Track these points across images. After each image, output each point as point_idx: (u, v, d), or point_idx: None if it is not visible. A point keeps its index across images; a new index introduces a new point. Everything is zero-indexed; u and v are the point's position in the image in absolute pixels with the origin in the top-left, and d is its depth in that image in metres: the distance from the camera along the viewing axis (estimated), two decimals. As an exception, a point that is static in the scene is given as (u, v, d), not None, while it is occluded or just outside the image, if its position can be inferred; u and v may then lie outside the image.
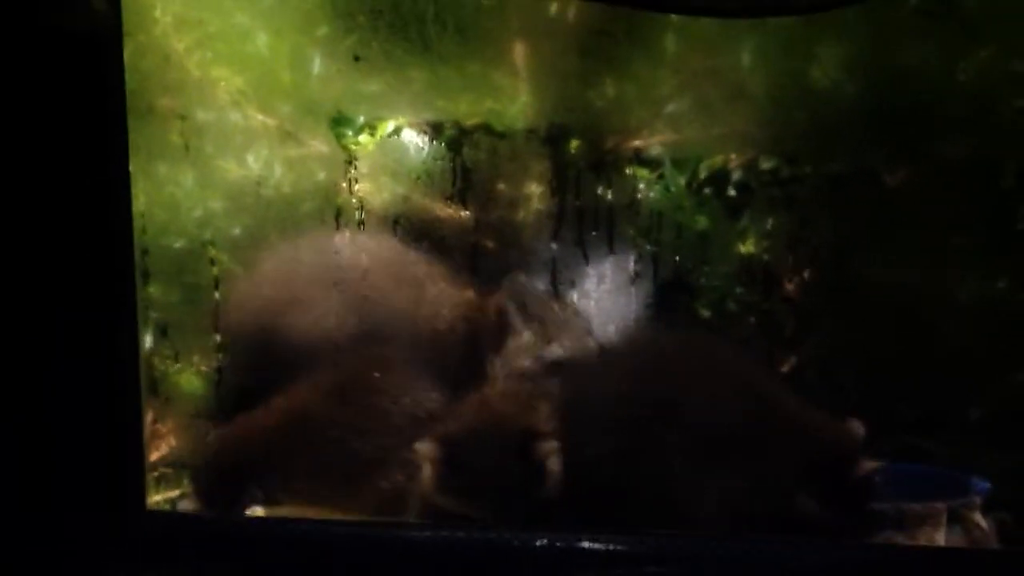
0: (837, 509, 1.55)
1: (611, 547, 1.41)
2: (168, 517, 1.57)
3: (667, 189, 1.92)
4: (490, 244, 1.94)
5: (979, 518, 1.67)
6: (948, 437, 1.86)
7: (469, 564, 1.42)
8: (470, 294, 1.95)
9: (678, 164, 1.93)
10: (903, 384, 1.90)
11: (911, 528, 1.63)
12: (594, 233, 1.92)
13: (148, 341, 1.86)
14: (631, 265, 1.93)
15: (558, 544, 1.40)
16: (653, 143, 1.92)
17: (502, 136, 1.90)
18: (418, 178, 1.89)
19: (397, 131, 1.91)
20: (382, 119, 1.90)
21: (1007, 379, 1.87)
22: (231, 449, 1.81)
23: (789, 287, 1.95)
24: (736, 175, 1.93)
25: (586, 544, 1.41)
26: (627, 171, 1.93)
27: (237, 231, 1.93)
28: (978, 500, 1.69)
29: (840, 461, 1.58)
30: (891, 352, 1.91)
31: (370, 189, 1.90)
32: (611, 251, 1.93)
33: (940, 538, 1.64)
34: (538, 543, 1.40)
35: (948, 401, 1.89)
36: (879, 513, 1.62)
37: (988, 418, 1.86)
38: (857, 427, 1.63)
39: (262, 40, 1.89)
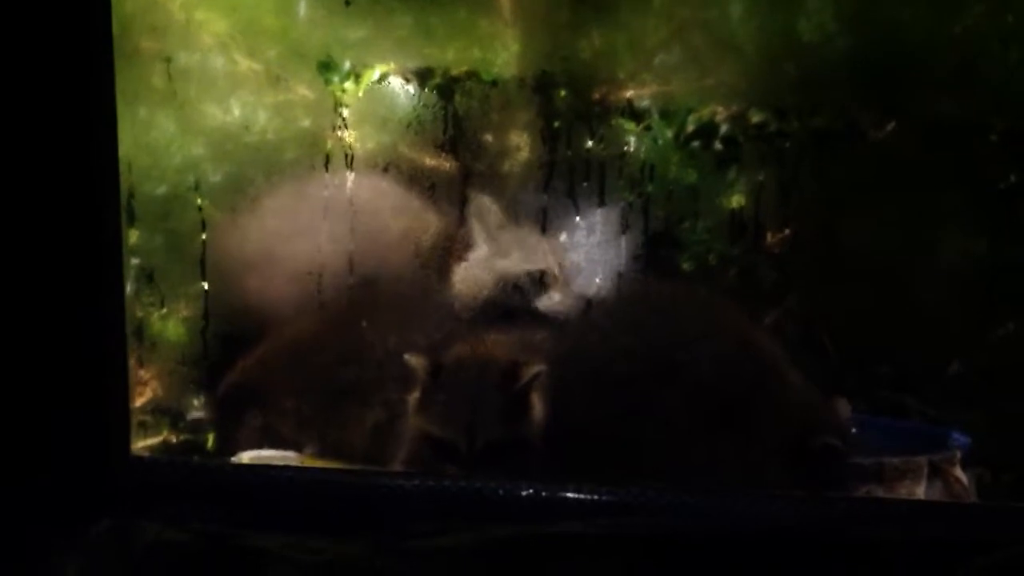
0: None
1: (595, 497, 1.41)
2: (153, 463, 1.56)
3: (655, 141, 1.91)
4: (479, 192, 1.93)
5: (959, 472, 1.69)
6: (929, 393, 1.88)
7: (455, 512, 1.43)
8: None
9: (666, 116, 1.91)
10: (885, 340, 1.91)
11: (892, 481, 1.65)
12: (584, 183, 1.92)
13: (129, 287, 1.84)
14: (620, 216, 1.92)
15: (543, 494, 1.41)
16: (642, 94, 1.90)
17: (494, 83, 1.89)
18: (409, 125, 1.87)
19: (383, 78, 1.89)
20: (368, 66, 1.88)
21: (988, 336, 1.89)
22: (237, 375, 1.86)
23: (773, 241, 1.95)
24: (724, 128, 1.92)
25: (571, 494, 1.41)
26: (615, 123, 1.91)
27: (221, 177, 1.91)
28: (958, 455, 1.71)
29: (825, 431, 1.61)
30: (873, 308, 1.92)
31: (356, 136, 1.89)
32: (600, 202, 1.93)
33: (920, 492, 1.66)
34: (523, 493, 1.41)
35: (929, 357, 1.90)
36: (861, 467, 1.64)
37: (969, 374, 1.88)
38: (844, 405, 1.66)
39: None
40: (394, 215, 1.91)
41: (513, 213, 1.93)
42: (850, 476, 1.63)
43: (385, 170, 1.89)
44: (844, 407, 1.66)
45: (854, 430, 1.73)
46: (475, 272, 1.89)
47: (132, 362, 1.70)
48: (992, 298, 1.89)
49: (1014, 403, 1.81)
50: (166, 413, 1.86)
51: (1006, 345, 1.88)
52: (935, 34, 1.86)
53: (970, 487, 1.68)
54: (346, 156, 1.87)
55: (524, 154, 1.93)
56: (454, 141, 1.88)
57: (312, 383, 1.81)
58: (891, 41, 1.86)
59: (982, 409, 1.83)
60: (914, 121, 1.89)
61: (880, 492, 1.64)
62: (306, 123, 1.89)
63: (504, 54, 1.89)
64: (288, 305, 1.88)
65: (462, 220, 1.92)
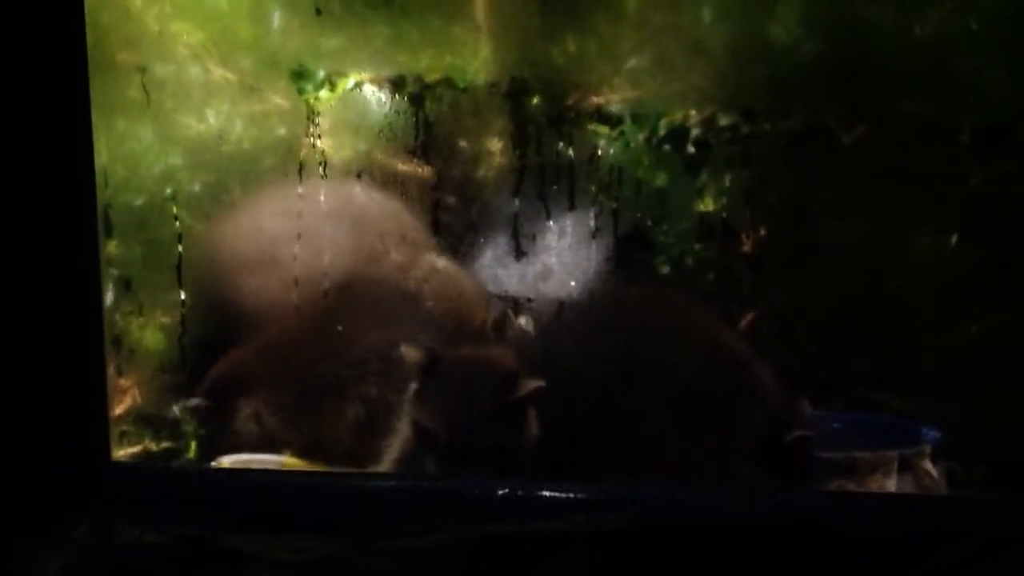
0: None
1: (571, 495, 1.42)
2: (134, 469, 1.57)
3: (627, 145, 1.93)
4: (451, 198, 1.95)
5: (929, 466, 1.71)
6: (900, 388, 1.90)
7: (431, 513, 1.43)
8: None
9: (638, 121, 1.93)
10: (858, 336, 1.93)
11: (863, 475, 1.67)
12: (555, 187, 1.93)
13: (110, 297, 1.85)
14: (591, 220, 1.94)
15: (519, 493, 1.42)
16: (614, 99, 1.92)
17: (463, 90, 1.90)
18: (380, 132, 1.89)
19: (358, 86, 1.90)
20: (343, 74, 1.89)
21: (957, 332, 1.91)
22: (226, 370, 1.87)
23: (746, 242, 1.96)
24: (695, 132, 1.94)
25: (547, 493, 1.42)
26: (588, 127, 1.93)
27: (198, 186, 1.92)
28: (928, 449, 1.73)
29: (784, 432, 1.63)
30: (845, 305, 1.94)
31: (331, 144, 1.90)
32: (571, 206, 1.94)
33: (891, 485, 1.67)
34: (500, 492, 1.42)
35: (900, 353, 1.92)
36: (833, 461, 1.66)
37: (938, 370, 1.90)
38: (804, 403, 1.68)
39: (222, -7, 1.88)
40: (370, 219, 1.93)
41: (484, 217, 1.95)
42: (822, 469, 1.65)
43: (359, 176, 1.90)
44: (804, 405, 1.67)
45: (835, 425, 1.76)
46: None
47: (111, 370, 1.71)
48: (962, 294, 1.91)
49: (983, 398, 1.84)
50: (147, 421, 1.86)
51: (976, 341, 1.90)
52: (903, 35, 1.88)
53: (939, 480, 1.70)
54: (320, 163, 1.88)
55: (497, 159, 1.94)
56: (426, 147, 1.90)
57: (295, 383, 1.83)
58: (859, 43, 1.88)
59: (952, 404, 1.85)
60: (884, 121, 1.91)
61: (852, 485, 1.66)
62: (281, 131, 1.90)
63: (476, 61, 1.90)
64: (268, 308, 1.90)
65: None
